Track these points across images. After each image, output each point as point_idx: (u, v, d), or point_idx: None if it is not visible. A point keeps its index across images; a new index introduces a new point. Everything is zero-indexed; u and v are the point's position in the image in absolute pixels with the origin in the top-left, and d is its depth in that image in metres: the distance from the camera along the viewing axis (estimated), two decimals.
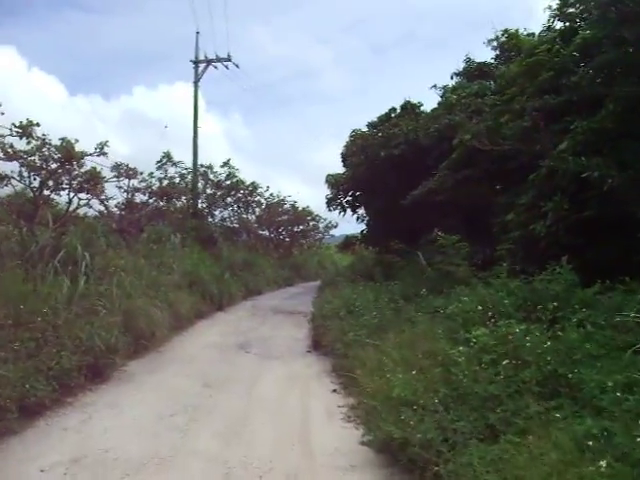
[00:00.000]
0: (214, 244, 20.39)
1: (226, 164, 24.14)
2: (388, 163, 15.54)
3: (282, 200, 29.88)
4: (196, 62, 22.96)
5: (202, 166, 23.46)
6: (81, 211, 12.44)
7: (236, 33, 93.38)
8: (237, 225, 26.73)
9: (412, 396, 4.79)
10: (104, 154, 10.96)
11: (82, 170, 10.97)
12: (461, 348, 5.15)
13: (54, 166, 10.34)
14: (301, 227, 33.70)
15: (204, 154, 24.02)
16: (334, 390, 7.32)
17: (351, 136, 18.59)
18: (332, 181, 19.96)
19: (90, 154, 10.83)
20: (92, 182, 11.17)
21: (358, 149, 17.30)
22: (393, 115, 17.88)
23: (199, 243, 18.81)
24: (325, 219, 35.45)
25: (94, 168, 11.28)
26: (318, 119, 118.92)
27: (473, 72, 15.01)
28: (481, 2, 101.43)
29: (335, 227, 36.22)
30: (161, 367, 8.57)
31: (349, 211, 20.37)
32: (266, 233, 30.62)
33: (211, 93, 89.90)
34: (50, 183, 10.63)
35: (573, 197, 7.82)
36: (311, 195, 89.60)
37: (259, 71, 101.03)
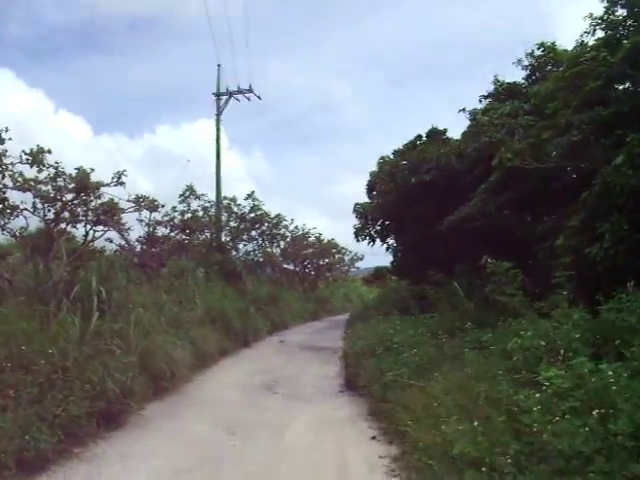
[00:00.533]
0: (238, 278, 19.86)
1: (250, 196, 23.56)
2: (418, 190, 14.88)
3: (307, 233, 29.36)
4: (218, 94, 22.95)
5: (225, 198, 23.00)
6: (101, 245, 12.00)
7: (257, 69, 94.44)
8: (262, 259, 26.14)
9: (475, 452, 3.95)
10: (121, 184, 10.48)
11: (99, 202, 10.47)
12: (537, 395, 4.27)
13: (69, 197, 9.85)
14: (326, 260, 33.06)
15: (226, 192, 23.55)
16: (373, 437, 6.50)
17: (379, 163, 18.03)
18: (360, 210, 19.28)
19: (107, 184, 10.34)
20: (109, 214, 10.66)
21: (386, 176, 16.70)
22: (419, 142, 17.34)
23: (223, 277, 18.31)
24: (350, 252, 34.88)
25: (111, 199, 10.82)
26: (339, 153, 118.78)
27: (502, 93, 14.44)
28: (500, 32, 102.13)
29: (361, 259, 35.65)
30: (181, 411, 7.95)
31: (378, 241, 19.59)
32: (291, 266, 30.03)
33: (233, 131, 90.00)
34: (66, 215, 10.11)
35: (632, 216, 7.08)
36: (334, 229, 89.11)
37: (280, 106, 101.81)
